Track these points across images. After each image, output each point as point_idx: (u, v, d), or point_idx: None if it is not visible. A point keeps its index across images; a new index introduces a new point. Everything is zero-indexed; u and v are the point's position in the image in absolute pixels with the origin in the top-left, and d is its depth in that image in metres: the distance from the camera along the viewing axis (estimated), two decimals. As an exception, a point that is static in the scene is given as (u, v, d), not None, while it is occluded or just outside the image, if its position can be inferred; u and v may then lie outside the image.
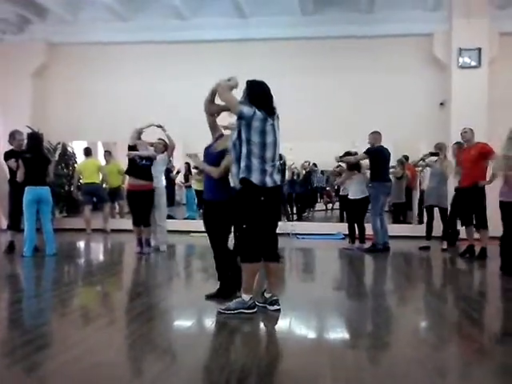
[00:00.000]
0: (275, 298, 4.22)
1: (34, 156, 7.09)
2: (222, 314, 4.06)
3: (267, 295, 4.26)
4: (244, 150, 4.00)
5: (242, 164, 4.01)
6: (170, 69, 10.68)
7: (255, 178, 3.97)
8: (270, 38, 10.35)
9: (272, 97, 4.10)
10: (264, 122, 3.95)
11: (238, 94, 4.16)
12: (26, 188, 6.99)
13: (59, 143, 11.09)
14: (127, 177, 7.68)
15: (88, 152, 10.62)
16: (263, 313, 4.17)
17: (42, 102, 11.08)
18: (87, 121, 10.92)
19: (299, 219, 12.18)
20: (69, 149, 11.40)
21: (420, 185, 10.75)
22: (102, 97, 10.92)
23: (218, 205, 4.42)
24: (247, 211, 4.04)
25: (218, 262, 4.61)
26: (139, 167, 7.33)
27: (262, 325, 4.02)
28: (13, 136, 7.58)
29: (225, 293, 4.44)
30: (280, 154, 11.39)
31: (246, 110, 3.92)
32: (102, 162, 10.99)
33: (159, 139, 7.83)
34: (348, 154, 8.37)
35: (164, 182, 7.95)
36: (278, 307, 4.19)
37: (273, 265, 4.22)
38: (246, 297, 4.06)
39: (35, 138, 7.41)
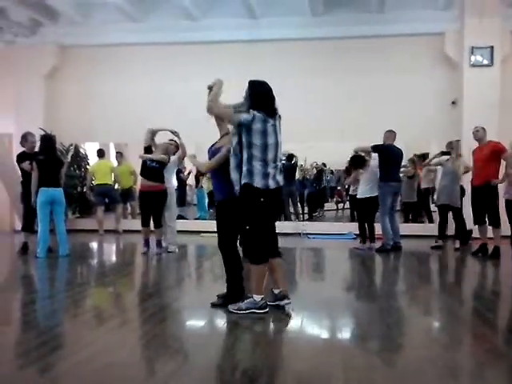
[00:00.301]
0: (283, 292, 4.24)
1: (48, 158, 7.15)
2: (233, 313, 4.07)
3: (276, 291, 4.27)
4: (245, 155, 3.99)
5: (244, 169, 3.99)
6: (180, 70, 10.72)
7: (257, 181, 3.96)
8: (281, 38, 10.35)
9: (273, 97, 4.11)
10: (264, 123, 3.96)
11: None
12: (40, 189, 7.05)
13: (71, 145, 11.17)
14: (140, 178, 7.70)
15: (101, 153, 10.70)
16: (275, 312, 4.18)
17: (54, 103, 11.17)
18: (99, 122, 11.00)
19: (310, 219, 12.18)
20: (81, 150, 11.49)
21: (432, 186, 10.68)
22: (113, 98, 10.99)
23: (225, 203, 4.38)
24: (250, 214, 4.05)
25: (227, 264, 4.46)
26: (149, 169, 7.37)
27: (273, 324, 4.03)
28: (25, 138, 7.64)
29: (232, 298, 4.31)
30: (292, 154, 11.47)
31: (244, 117, 3.95)
32: (114, 163, 11.06)
33: (170, 140, 7.85)
34: (355, 160, 8.38)
35: (175, 183, 7.96)
36: (289, 301, 4.21)
37: (276, 261, 4.24)
38: (257, 297, 4.07)
39: (48, 140, 7.46)
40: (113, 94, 10.98)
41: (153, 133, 7.51)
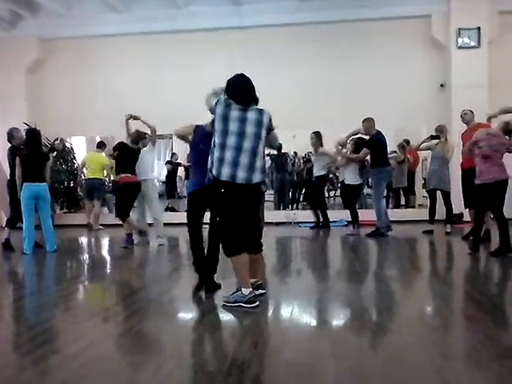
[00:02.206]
0: (259, 282, 4.20)
1: (32, 152, 7.02)
2: (225, 305, 4.00)
3: (252, 280, 4.17)
4: (211, 144, 3.94)
5: (214, 157, 3.89)
6: (164, 59, 10.58)
7: (214, 171, 3.86)
8: (265, 25, 10.26)
9: (245, 87, 3.97)
10: (227, 108, 3.86)
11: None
12: (23, 185, 6.92)
13: (57, 139, 10.98)
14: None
15: (100, 145, 10.47)
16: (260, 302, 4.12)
17: (38, 97, 11.01)
18: (85, 115, 10.85)
19: (302, 207, 12.14)
20: (67, 144, 11.31)
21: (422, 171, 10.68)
22: (98, 90, 10.84)
23: (192, 194, 4.51)
24: (218, 205, 4.02)
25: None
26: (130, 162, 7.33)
27: (262, 314, 3.97)
28: (11, 135, 7.47)
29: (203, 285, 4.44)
30: (279, 144, 11.35)
31: (212, 103, 4.00)
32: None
33: (136, 130, 7.57)
34: (358, 143, 8.34)
35: (155, 175, 7.86)
36: (263, 291, 4.18)
37: (255, 256, 4.19)
38: (245, 290, 3.97)
39: (33, 135, 7.30)
40: (97, 86, 10.83)
41: (127, 120, 7.51)
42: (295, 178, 12.32)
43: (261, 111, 3.98)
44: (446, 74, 9.82)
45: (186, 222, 4.57)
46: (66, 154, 11.17)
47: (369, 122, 7.98)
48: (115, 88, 10.68)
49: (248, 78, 4.06)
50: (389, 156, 8.60)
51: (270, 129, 4.05)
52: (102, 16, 10.56)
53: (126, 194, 7.40)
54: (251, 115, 3.90)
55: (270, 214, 9.79)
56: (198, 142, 4.49)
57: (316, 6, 10.08)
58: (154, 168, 7.93)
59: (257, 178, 3.91)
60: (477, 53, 9.50)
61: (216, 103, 3.91)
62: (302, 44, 10.26)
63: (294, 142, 12.00)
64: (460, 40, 9.56)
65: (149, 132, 7.57)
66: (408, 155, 10.38)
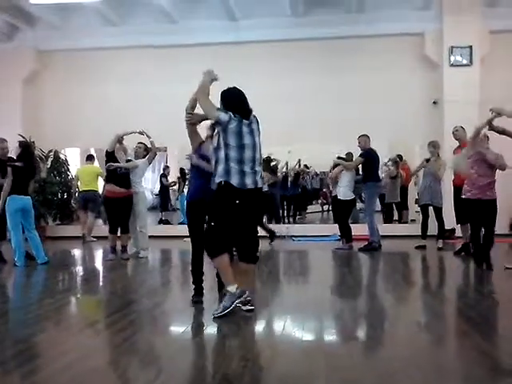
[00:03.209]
0: (248, 298, 4.17)
1: (25, 166, 6.99)
2: (219, 317, 3.99)
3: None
4: (222, 154, 4.01)
5: (220, 167, 4.01)
6: (160, 73, 10.64)
7: (234, 180, 3.98)
8: (261, 40, 10.34)
9: (244, 100, 4.14)
10: (240, 124, 4.01)
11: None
12: (10, 197, 6.83)
13: (51, 150, 11.00)
14: (104, 183, 7.61)
15: (89, 158, 10.48)
16: (257, 315, 4.13)
17: (34, 109, 11.02)
18: (79, 127, 10.86)
19: (294, 221, 12.16)
20: (61, 156, 11.29)
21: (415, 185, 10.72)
22: (93, 102, 10.86)
23: (193, 204, 4.58)
24: (221, 211, 4.05)
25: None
26: (119, 175, 7.32)
27: (255, 327, 3.97)
28: None
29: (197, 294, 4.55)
30: (269, 157, 11.35)
31: (223, 115, 3.99)
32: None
33: (139, 143, 7.76)
34: (341, 158, 8.43)
35: (143, 188, 7.90)
36: (251, 307, 4.16)
37: (247, 266, 4.22)
38: (232, 288, 4.04)
39: (28, 147, 7.27)
40: (93, 99, 10.85)
41: (119, 139, 7.47)
42: (288, 191, 12.30)
43: (256, 119, 4.20)
44: (438, 90, 9.94)
45: (186, 233, 4.64)
46: (59, 165, 11.15)
47: (364, 137, 8.20)
48: (111, 100, 10.72)
49: (241, 89, 4.22)
50: (381, 169, 8.71)
51: None
52: (99, 29, 10.63)
53: (111, 208, 7.43)
54: (254, 126, 4.14)
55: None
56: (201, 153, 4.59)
57: (311, 23, 10.20)
58: (143, 181, 7.96)
59: (261, 182, 4.17)
60: (469, 70, 9.63)
61: (229, 119, 3.97)
62: (297, 59, 10.36)
63: (289, 157, 12.07)
64: (452, 58, 9.69)
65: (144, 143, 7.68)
66: (400, 170, 10.45)
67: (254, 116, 4.19)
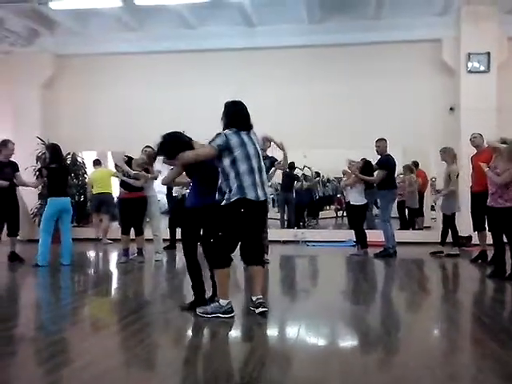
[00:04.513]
0: (260, 300, 4.23)
1: (59, 167, 7.13)
2: (200, 316, 4.10)
3: (253, 298, 4.29)
4: (232, 173, 4.03)
5: (234, 186, 4.00)
6: (177, 78, 10.71)
7: (250, 194, 4.01)
8: (277, 46, 10.35)
9: (247, 114, 4.23)
10: (239, 135, 4.09)
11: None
12: (50, 199, 7.01)
13: (69, 153, 11.12)
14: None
15: (97, 162, 10.63)
16: (268, 320, 4.14)
17: (52, 112, 11.16)
18: (96, 131, 10.97)
19: (305, 227, 12.16)
20: (78, 159, 11.43)
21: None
22: (110, 107, 10.97)
23: (193, 211, 4.42)
24: (232, 224, 4.07)
25: (190, 270, 4.53)
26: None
27: (270, 332, 3.98)
28: (5, 144, 7.37)
29: (198, 302, 4.37)
30: (293, 163, 11.27)
31: (218, 142, 4.03)
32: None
33: (147, 146, 7.56)
34: (367, 164, 8.32)
35: (155, 192, 7.92)
36: (264, 309, 4.19)
37: (256, 268, 4.30)
38: (223, 302, 4.09)
39: (57, 149, 7.34)
40: (110, 103, 10.96)
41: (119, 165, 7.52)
42: (303, 196, 12.33)
43: (254, 133, 4.29)
44: (455, 97, 9.87)
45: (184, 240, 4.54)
46: (77, 168, 11.29)
47: (382, 142, 8.11)
48: (127, 105, 10.82)
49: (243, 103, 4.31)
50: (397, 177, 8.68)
51: None
52: (117, 34, 10.73)
53: (124, 210, 7.47)
54: (254, 137, 4.24)
55: (277, 233, 9.85)
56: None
57: (328, 29, 10.20)
58: (154, 185, 7.94)
59: (268, 192, 4.29)
60: (486, 77, 9.55)
61: (225, 136, 4.04)
62: (312, 66, 10.37)
63: (304, 162, 12.11)
64: (470, 64, 9.62)
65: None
66: (418, 178, 10.47)
67: (255, 133, 4.28)
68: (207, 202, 4.19)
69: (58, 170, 7.09)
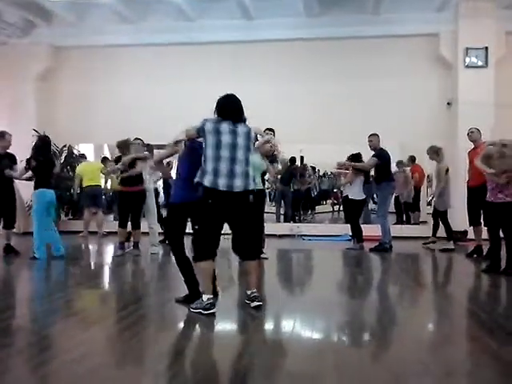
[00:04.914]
0: (255, 294, 4.22)
1: (46, 159, 7.10)
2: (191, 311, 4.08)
3: (248, 292, 4.28)
4: (203, 157, 4.03)
5: (200, 169, 4.03)
6: (174, 71, 10.67)
7: (207, 180, 3.96)
8: (275, 39, 10.33)
9: (234, 107, 4.16)
10: (216, 124, 4.03)
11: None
12: (39, 190, 6.97)
13: (65, 146, 11.09)
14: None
15: (82, 156, 10.67)
16: (261, 312, 4.14)
17: (48, 104, 11.10)
18: (93, 123, 10.93)
19: (304, 221, 12.18)
20: (75, 151, 11.39)
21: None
22: (107, 99, 10.93)
23: (176, 207, 4.45)
24: (202, 213, 4.06)
25: (180, 265, 4.54)
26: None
27: (265, 326, 3.99)
28: (3, 136, 7.38)
29: (193, 296, 4.33)
30: (294, 158, 11.28)
31: (198, 124, 4.06)
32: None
33: (136, 139, 7.59)
34: (355, 156, 8.32)
35: (153, 185, 7.93)
36: (258, 303, 4.19)
37: (250, 263, 4.28)
38: (204, 297, 4.06)
39: (47, 142, 7.34)
40: (107, 95, 10.92)
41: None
42: (300, 190, 12.32)
43: (248, 126, 4.20)
44: (452, 92, 9.86)
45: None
46: (73, 160, 11.24)
47: (375, 137, 8.14)
48: (124, 97, 10.77)
49: (238, 98, 4.24)
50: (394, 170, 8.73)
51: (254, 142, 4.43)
52: (115, 26, 10.67)
53: (123, 203, 7.47)
54: (241, 129, 4.12)
55: (273, 227, 9.84)
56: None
57: (324, 23, 10.17)
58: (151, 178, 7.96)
59: (251, 185, 4.12)
60: (484, 72, 9.54)
61: (204, 121, 4.04)
62: (310, 59, 10.35)
63: (300, 156, 12.11)
64: (467, 59, 9.61)
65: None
66: (415, 173, 10.51)
67: (247, 126, 4.20)
68: (194, 197, 4.11)
69: (46, 162, 7.06)
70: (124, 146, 7.51)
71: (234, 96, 4.24)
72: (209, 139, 3.99)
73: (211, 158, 3.97)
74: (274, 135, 6.68)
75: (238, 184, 4.00)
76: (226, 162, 3.97)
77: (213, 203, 3.99)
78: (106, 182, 10.80)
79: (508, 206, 5.90)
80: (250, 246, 4.27)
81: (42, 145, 7.21)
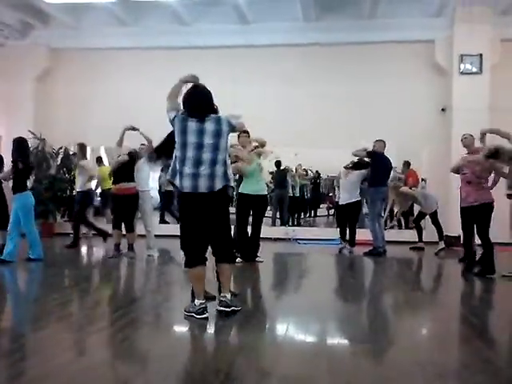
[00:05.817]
0: (223, 299, 4.07)
1: (28, 161, 7.08)
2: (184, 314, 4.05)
3: (219, 295, 4.20)
4: (174, 156, 3.99)
5: (170, 167, 4.00)
6: (170, 74, 10.51)
7: (176, 182, 3.93)
8: (272, 44, 10.40)
9: (201, 101, 4.00)
10: (183, 122, 3.93)
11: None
12: (26, 193, 6.94)
13: (61, 147, 11.10)
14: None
15: (100, 160, 10.60)
16: (258, 317, 4.17)
17: (45, 106, 11.12)
18: (90, 125, 10.93)
19: (299, 225, 12.19)
20: (71, 153, 11.37)
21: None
22: (104, 101, 10.95)
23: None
24: (180, 214, 4.05)
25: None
26: (119, 170, 7.43)
27: (258, 330, 4.01)
28: None
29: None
30: (279, 161, 11.34)
31: (170, 114, 4.01)
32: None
33: (142, 144, 7.74)
34: (358, 164, 8.43)
35: (149, 187, 7.95)
36: (225, 309, 4.03)
37: (222, 266, 4.12)
38: (196, 301, 3.99)
39: (26, 144, 7.27)
40: (104, 98, 10.94)
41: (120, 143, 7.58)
42: (296, 194, 12.33)
43: (218, 120, 4.00)
44: (447, 98, 9.94)
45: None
46: (69, 162, 11.23)
47: (380, 142, 8.24)
48: (121, 100, 10.79)
49: (204, 87, 4.08)
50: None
51: (234, 128, 4.16)
52: (112, 29, 10.72)
53: (116, 206, 7.52)
54: (209, 126, 3.93)
55: (269, 230, 9.87)
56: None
57: (323, 28, 10.25)
58: (149, 181, 8.01)
59: (219, 184, 3.93)
60: (478, 79, 9.63)
61: (174, 117, 3.98)
62: (306, 64, 10.42)
63: (295, 160, 12.10)
64: (462, 66, 9.70)
65: (146, 143, 7.67)
66: (409, 178, 10.54)
67: (219, 118, 4.02)
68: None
69: (28, 164, 7.03)
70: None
71: (201, 87, 4.08)
72: (177, 138, 3.93)
73: (179, 158, 3.91)
74: (248, 137, 6.74)
75: (203, 185, 3.88)
76: (191, 162, 3.86)
77: (184, 205, 3.98)
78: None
79: (479, 209, 6.14)
80: (222, 246, 4.09)
81: (20, 147, 7.05)
